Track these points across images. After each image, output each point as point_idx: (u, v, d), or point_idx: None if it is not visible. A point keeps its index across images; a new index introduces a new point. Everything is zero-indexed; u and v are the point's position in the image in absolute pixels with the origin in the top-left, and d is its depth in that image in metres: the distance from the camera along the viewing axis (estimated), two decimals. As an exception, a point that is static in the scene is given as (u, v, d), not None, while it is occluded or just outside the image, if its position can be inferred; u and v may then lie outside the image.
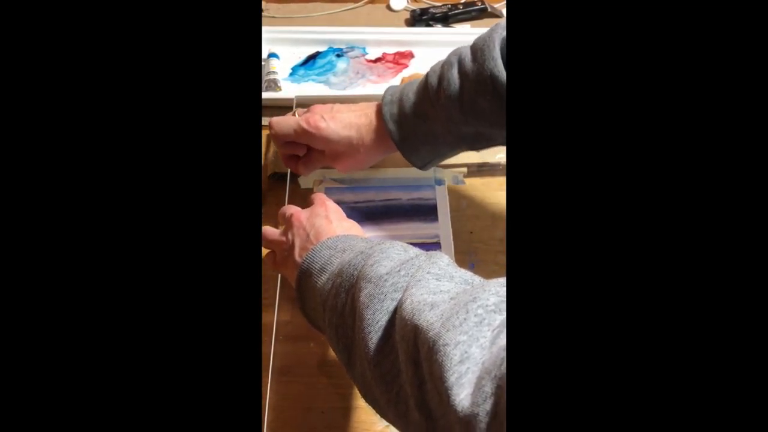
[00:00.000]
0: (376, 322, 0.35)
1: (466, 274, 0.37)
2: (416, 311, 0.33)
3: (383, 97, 0.53)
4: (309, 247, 0.44)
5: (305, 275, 0.43)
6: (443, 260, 0.38)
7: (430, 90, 0.50)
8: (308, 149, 0.57)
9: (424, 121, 0.51)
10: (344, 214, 0.50)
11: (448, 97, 0.49)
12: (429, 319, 0.32)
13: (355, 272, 0.39)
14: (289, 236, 0.47)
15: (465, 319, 0.30)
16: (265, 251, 0.52)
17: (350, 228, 0.47)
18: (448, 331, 0.30)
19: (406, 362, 0.33)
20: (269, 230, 0.51)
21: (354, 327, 0.37)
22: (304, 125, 0.54)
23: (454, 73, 0.49)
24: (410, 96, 0.52)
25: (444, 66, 0.51)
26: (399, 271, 0.37)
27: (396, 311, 0.35)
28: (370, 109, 0.54)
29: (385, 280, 0.36)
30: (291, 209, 0.50)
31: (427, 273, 0.36)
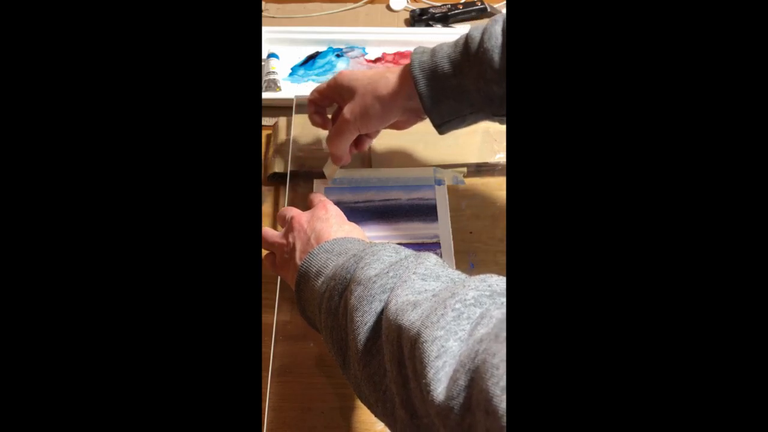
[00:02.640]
0: (364, 323, 0.36)
1: (453, 273, 0.37)
2: (400, 311, 0.33)
3: (414, 49, 0.52)
4: (309, 250, 0.44)
5: (303, 278, 0.43)
6: (431, 260, 0.38)
7: (470, 43, 0.49)
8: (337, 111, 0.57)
9: (455, 75, 0.50)
10: (345, 217, 0.50)
11: (487, 50, 0.48)
12: (411, 318, 0.32)
13: (348, 275, 0.39)
14: (290, 239, 0.47)
15: (443, 314, 0.31)
16: (264, 252, 0.52)
17: (351, 231, 0.47)
18: (426, 328, 0.31)
19: (391, 362, 0.33)
20: (270, 232, 0.51)
21: (346, 329, 0.38)
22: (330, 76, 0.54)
23: (498, 29, 0.49)
24: (445, 48, 0.51)
25: (489, 22, 0.50)
26: (387, 272, 0.37)
27: (383, 312, 0.35)
28: (398, 67, 0.53)
29: (374, 282, 0.37)
30: (291, 211, 0.50)
31: (414, 273, 0.36)
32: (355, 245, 0.43)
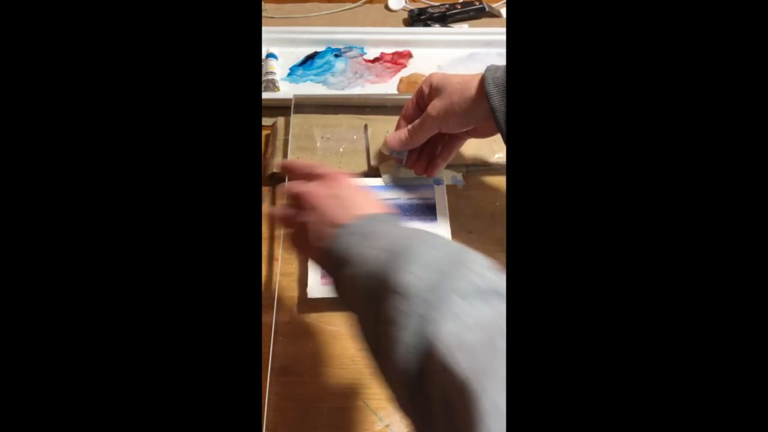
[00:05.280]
0: (403, 342, 0.33)
1: (495, 282, 0.34)
2: (448, 354, 0.31)
3: (487, 67, 0.52)
4: (333, 230, 0.41)
5: (333, 260, 0.41)
6: (473, 267, 0.35)
7: None
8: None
9: None
10: (360, 188, 0.46)
11: None
12: (461, 364, 0.30)
13: (383, 271, 0.36)
14: (312, 216, 0.44)
15: (493, 361, 0.29)
16: (283, 230, 0.50)
17: (371, 204, 0.44)
18: (478, 380, 0.29)
19: (440, 408, 0.31)
20: (280, 210, 0.48)
21: (380, 334, 0.36)
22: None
23: None
24: None
25: None
26: (427, 288, 0.34)
27: (425, 337, 0.33)
28: (477, 76, 0.53)
29: (412, 297, 0.34)
30: (301, 185, 0.47)
31: (454, 293, 0.33)
32: (389, 232, 0.40)
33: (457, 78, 0.54)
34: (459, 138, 0.58)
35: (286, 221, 0.47)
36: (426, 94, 0.56)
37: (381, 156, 0.63)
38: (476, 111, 0.52)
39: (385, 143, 0.59)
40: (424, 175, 0.60)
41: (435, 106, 0.54)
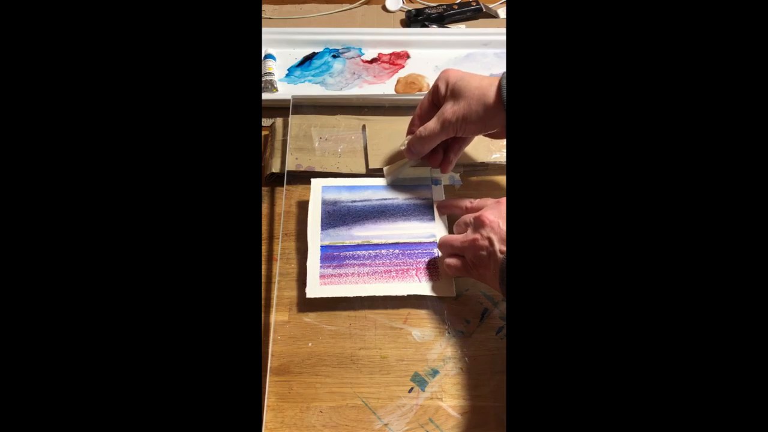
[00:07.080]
0: None
1: None
2: None
3: (503, 74, 0.51)
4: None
5: None
6: None
7: None
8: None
9: None
10: None
11: None
12: None
13: None
14: (485, 234, 0.48)
15: None
16: (451, 260, 0.52)
17: None
18: None
19: None
20: (452, 237, 0.52)
21: None
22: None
23: None
24: None
25: None
26: None
27: None
28: (495, 82, 0.52)
29: None
30: (471, 215, 0.51)
31: None
32: None
33: (475, 81, 0.53)
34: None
35: (455, 248, 0.52)
36: (442, 92, 0.55)
37: (394, 156, 0.63)
38: (494, 120, 0.52)
39: (408, 148, 0.58)
40: (438, 169, 0.60)
41: (453, 112, 0.53)
